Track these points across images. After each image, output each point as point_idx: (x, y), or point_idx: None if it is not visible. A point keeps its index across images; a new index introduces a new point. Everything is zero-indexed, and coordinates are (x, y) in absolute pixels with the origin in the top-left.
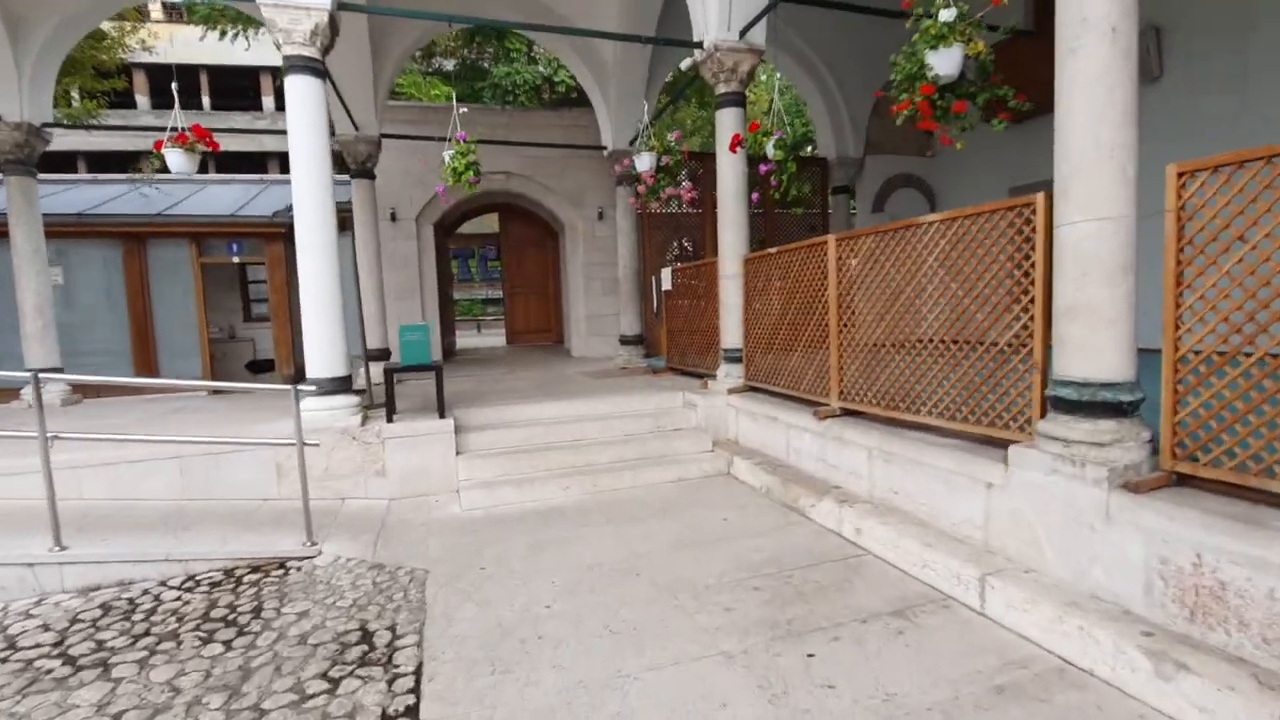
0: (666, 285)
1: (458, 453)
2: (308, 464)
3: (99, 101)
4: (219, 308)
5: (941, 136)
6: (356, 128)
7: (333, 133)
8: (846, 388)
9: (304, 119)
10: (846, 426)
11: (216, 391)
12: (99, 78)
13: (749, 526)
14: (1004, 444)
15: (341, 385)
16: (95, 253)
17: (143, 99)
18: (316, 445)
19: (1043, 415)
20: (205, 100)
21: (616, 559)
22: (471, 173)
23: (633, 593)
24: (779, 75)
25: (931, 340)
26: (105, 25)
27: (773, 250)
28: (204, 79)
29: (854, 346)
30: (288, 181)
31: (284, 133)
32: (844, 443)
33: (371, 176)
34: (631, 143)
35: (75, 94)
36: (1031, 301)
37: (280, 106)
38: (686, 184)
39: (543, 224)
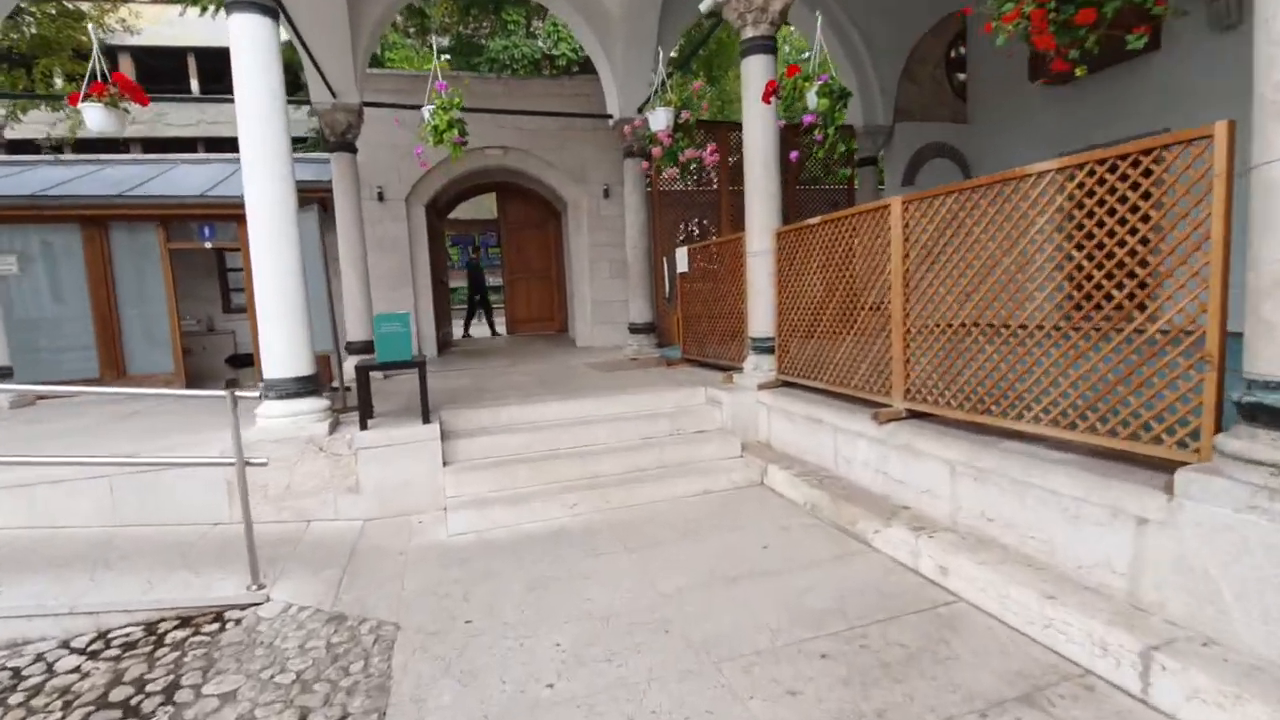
0: (682, 267)
1: (445, 463)
2: (265, 482)
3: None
4: (194, 297)
5: (1055, 62)
6: (334, 94)
7: (308, 101)
8: (915, 385)
9: (251, 67)
10: (917, 433)
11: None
12: (79, 59)
13: (798, 556)
14: (1153, 463)
15: (305, 386)
16: (53, 238)
17: (194, 83)
18: (264, 464)
19: (1218, 427)
20: (194, 84)
21: (638, 605)
22: (455, 132)
23: (662, 661)
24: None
25: (1040, 326)
26: (84, 4)
27: (813, 221)
28: (191, 61)
29: (926, 334)
30: None
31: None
32: (914, 453)
33: (353, 150)
34: (640, 109)
35: (59, 79)
36: (1197, 273)
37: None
38: (710, 144)
39: (543, 203)
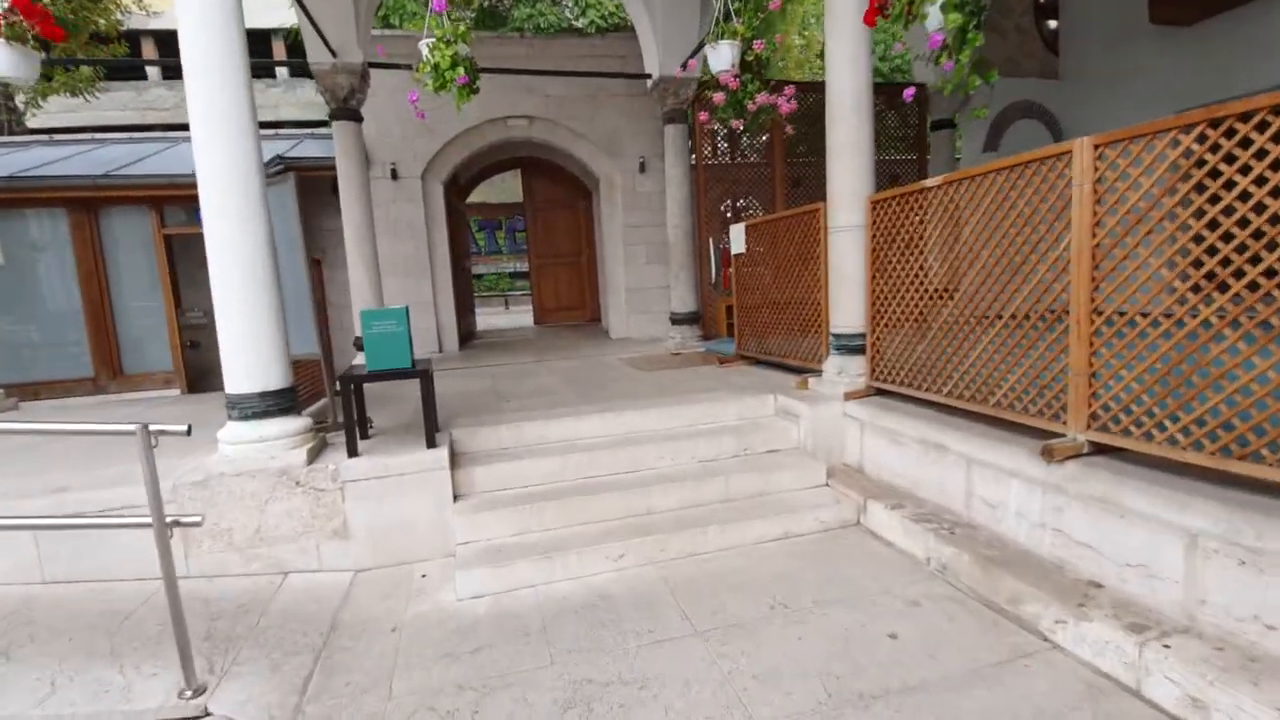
0: (738, 248)
1: (456, 497)
2: (229, 526)
3: (97, 71)
4: (200, 287)
5: None
6: (333, 54)
7: (304, 65)
8: (1108, 408)
9: None
10: (1117, 482)
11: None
12: (97, 43)
13: (946, 655)
14: None
15: (278, 403)
16: (38, 224)
17: (153, 70)
18: (197, 522)
19: None
20: None
21: None
22: (461, 71)
23: None
24: None
25: None
26: None
27: (931, 182)
28: None
29: (1127, 332)
30: (276, 135)
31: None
32: (1116, 511)
33: (357, 119)
34: (683, 66)
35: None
36: None
37: (295, 72)
38: (788, 88)
39: (573, 181)
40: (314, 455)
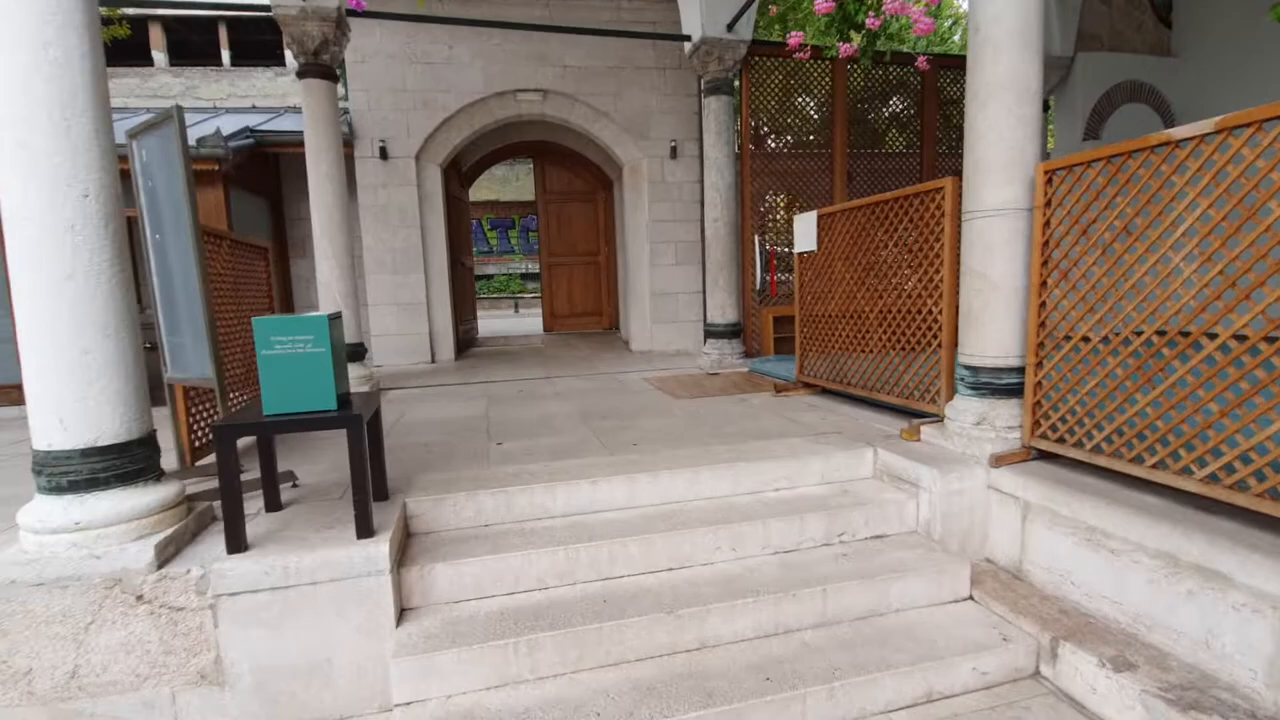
0: (805, 244)
1: (403, 612)
2: (27, 668)
3: None
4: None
5: None
6: None
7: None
8: None
9: None
10: None
11: None
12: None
13: None
14: None
15: (119, 466)
16: None
17: (160, 55)
18: None
19: None
20: (225, 55)
21: None
22: None
23: None
24: None
25: None
26: None
27: (1188, 131)
28: (222, 31)
29: None
30: (250, 109)
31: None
32: None
33: (331, 77)
34: (730, 26)
35: None
36: None
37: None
38: (917, 6)
39: (591, 169)
40: (172, 549)
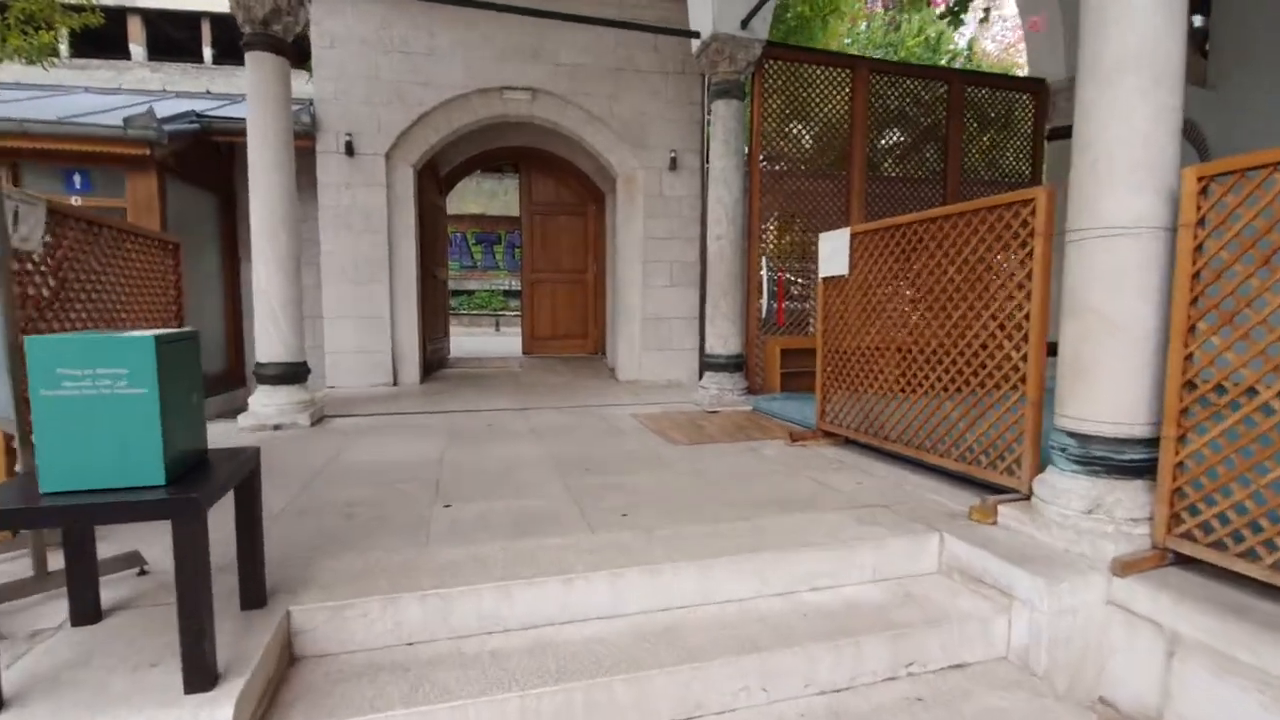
0: (835, 267)
1: None
2: None
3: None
4: None
5: None
6: None
7: None
8: None
9: None
10: None
11: None
12: (67, 12)
13: None
14: None
15: None
16: None
17: (138, 49)
18: None
19: None
20: (207, 52)
21: None
22: None
23: None
24: None
25: None
26: None
27: None
28: (206, 28)
29: None
30: (202, 95)
31: None
32: None
33: (283, 51)
34: (745, 23)
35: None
36: None
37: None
38: None
39: (581, 180)
40: None
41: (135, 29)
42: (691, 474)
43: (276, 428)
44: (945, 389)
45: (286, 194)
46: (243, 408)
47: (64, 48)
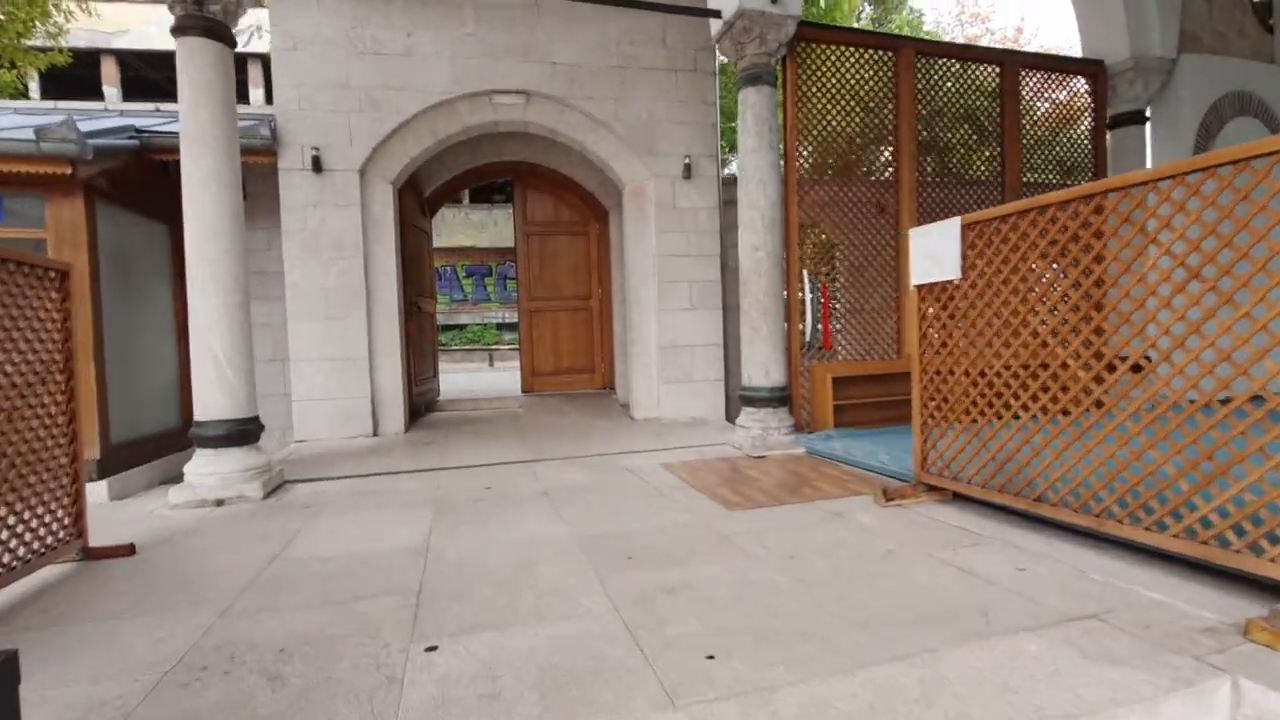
0: (944, 271)
1: None
2: None
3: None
4: None
5: None
6: None
7: None
8: None
9: None
10: None
11: None
12: (32, 51)
13: None
14: None
15: None
16: None
17: (112, 90)
18: None
19: None
20: None
21: None
22: None
23: None
24: None
25: None
26: None
27: None
28: None
29: None
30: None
31: None
32: None
33: (224, 38)
34: None
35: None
36: None
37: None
38: None
39: (581, 195)
40: None
41: (110, 71)
42: (775, 562)
43: (218, 503)
44: (1139, 429)
45: (231, 212)
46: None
47: (34, 87)
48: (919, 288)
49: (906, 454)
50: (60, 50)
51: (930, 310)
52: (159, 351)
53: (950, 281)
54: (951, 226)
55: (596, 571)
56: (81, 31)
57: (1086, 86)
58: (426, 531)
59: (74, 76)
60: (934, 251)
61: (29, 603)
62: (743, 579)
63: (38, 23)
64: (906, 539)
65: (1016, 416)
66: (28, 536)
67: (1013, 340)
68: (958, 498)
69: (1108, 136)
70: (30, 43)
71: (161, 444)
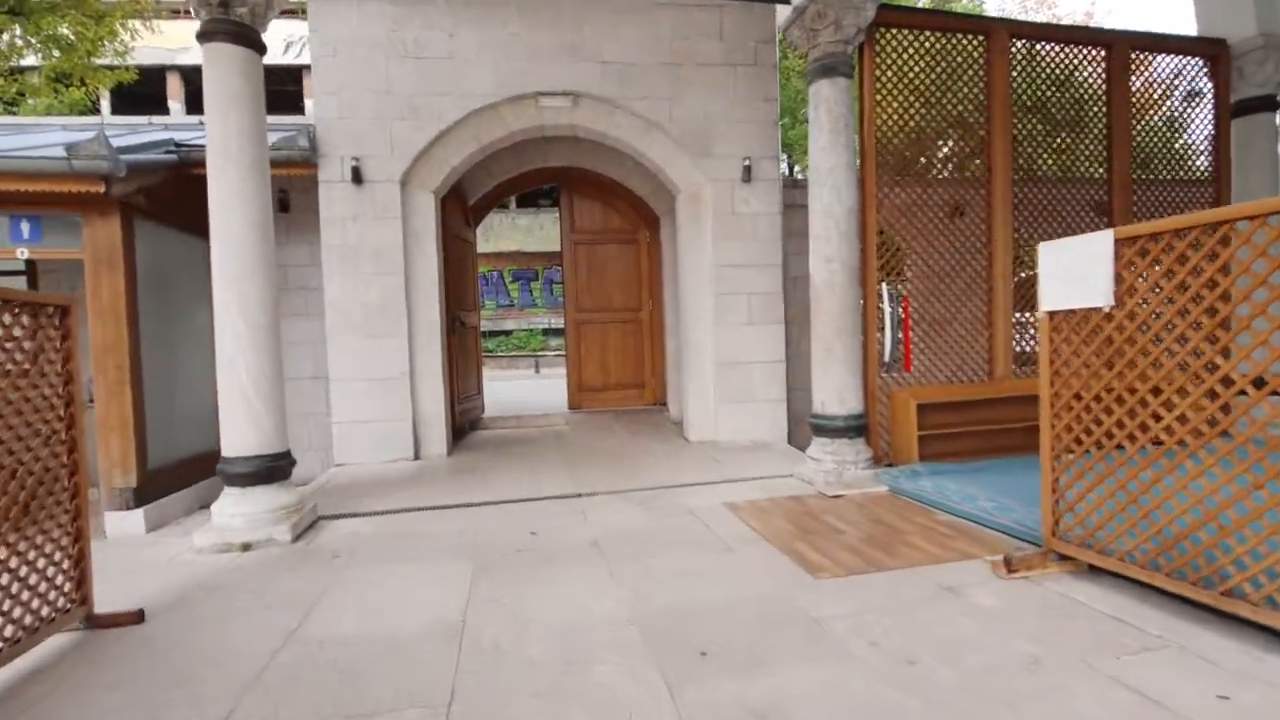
0: (1088, 296)
1: None
2: None
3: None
4: None
5: None
6: None
7: None
8: None
9: None
10: None
11: None
12: (102, 69)
13: None
14: None
15: None
16: None
17: (176, 105)
18: None
19: None
20: None
21: None
22: None
23: None
24: None
25: None
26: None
27: None
28: None
29: None
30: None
31: None
32: None
33: (253, 44)
34: None
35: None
36: None
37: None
38: None
39: (632, 202)
40: None
41: (174, 86)
42: (886, 668)
43: (245, 547)
44: None
45: (260, 229)
46: None
47: (105, 105)
48: (1051, 314)
49: (1011, 499)
50: (127, 68)
51: (1063, 343)
52: (199, 370)
53: (1102, 309)
54: (1098, 242)
55: (663, 674)
56: (146, 49)
57: (1205, 69)
58: (463, 599)
59: (141, 93)
60: (1073, 271)
61: (15, 693)
62: (850, 698)
63: (105, 42)
64: (1050, 638)
65: (1183, 469)
66: (17, 612)
67: (1191, 388)
68: (1093, 570)
69: (1232, 125)
70: (99, 61)
71: (203, 466)
